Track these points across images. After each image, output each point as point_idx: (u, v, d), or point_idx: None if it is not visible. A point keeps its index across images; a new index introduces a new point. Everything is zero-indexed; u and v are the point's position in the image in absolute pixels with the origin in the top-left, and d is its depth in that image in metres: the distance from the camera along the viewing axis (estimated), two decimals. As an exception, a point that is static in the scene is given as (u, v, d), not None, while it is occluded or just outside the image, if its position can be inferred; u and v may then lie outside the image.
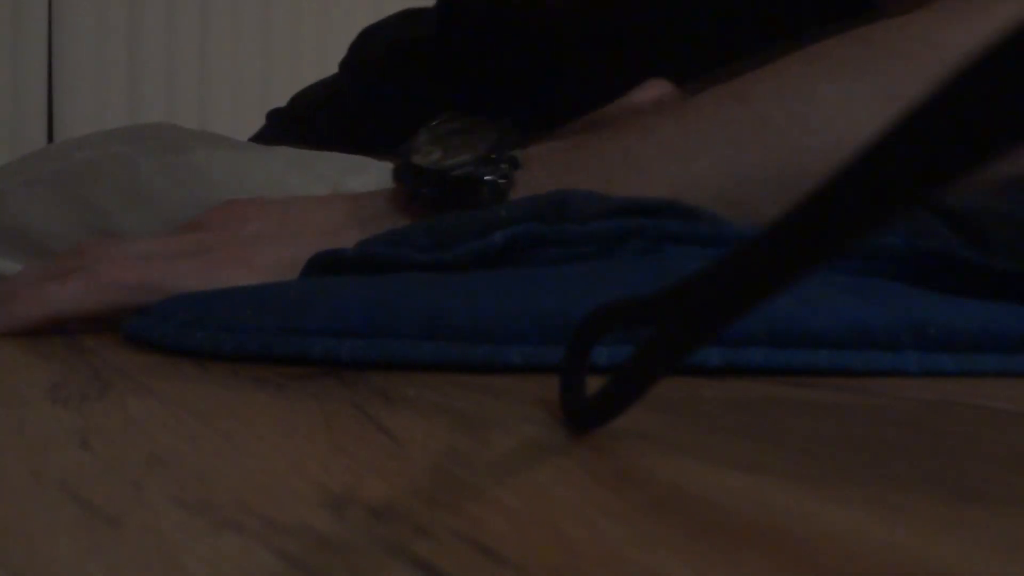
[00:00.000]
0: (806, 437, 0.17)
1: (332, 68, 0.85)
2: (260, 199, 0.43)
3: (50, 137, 2.11)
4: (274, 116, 0.83)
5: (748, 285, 0.12)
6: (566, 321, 0.26)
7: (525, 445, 0.17)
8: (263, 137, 0.77)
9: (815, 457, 0.16)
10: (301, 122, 0.79)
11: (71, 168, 0.59)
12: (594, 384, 0.17)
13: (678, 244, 0.33)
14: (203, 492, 0.13)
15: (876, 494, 0.13)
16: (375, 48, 0.78)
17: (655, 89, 0.49)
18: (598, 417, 0.17)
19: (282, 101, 0.85)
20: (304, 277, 0.35)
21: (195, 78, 2.22)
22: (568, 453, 0.16)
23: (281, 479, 0.14)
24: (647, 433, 0.17)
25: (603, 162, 0.39)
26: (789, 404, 0.22)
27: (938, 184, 0.09)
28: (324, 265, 0.35)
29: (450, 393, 0.23)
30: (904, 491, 0.13)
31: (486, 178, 0.37)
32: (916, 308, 0.27)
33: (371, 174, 0.59)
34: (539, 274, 0.30)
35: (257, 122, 0.84)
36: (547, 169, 0.39)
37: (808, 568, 0.10)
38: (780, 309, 0.26)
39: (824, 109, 0.38)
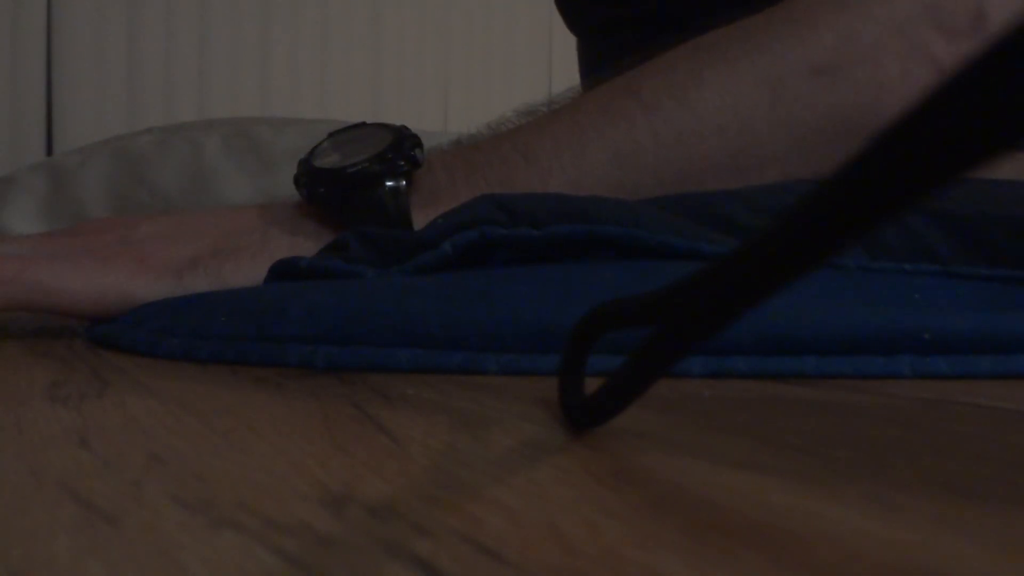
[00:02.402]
0: (805, 436, 0.17)
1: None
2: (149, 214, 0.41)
3: (49, 140, 2.11)
4: None
5: (748, 285, 0.12)
6: (543, 328, 0.26)
7: (524, 444, 0.17)
8: None
9: (814, 456, 0.16)
10: None
11: (136, 148, 0.60)
12: (593, 384, 0.17)
13: (652, 258, 0.32)
14: (202, 491, 0.13)
15: (875, 493, 0.13)
16: None
17: None
18: (597, 416, 0.17)
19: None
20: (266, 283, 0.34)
21: (194, 81, 2.22)
22: (567, 452, 0.16)
23: (280, 478, 0.14)
24: (646, 432, 0.17)
25: (503, 160, 0.39)
26: (788, 404, 0.22)
27: (936, 185, 0.09)
28: (280, 276, 0.34)
29: (449, 392, 0.23)
30: (903, 490, 0.13)
31: (386, 182, 0.37)
32: (911, 311, 0.26)
33: None
34: (514, 277, 0.30)
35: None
36: (447, 170, 0.39)
37: (807, 567, 0.10)
38: (766, 314, 0.25)
39: (708, 96, 0.39)
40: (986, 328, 0.26)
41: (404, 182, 0.37)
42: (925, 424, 0.19)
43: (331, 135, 0.41)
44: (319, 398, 0.22)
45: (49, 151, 2.09)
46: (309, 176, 0.38)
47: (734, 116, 0.39)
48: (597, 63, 0.60)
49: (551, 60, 2.49)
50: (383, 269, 0.33)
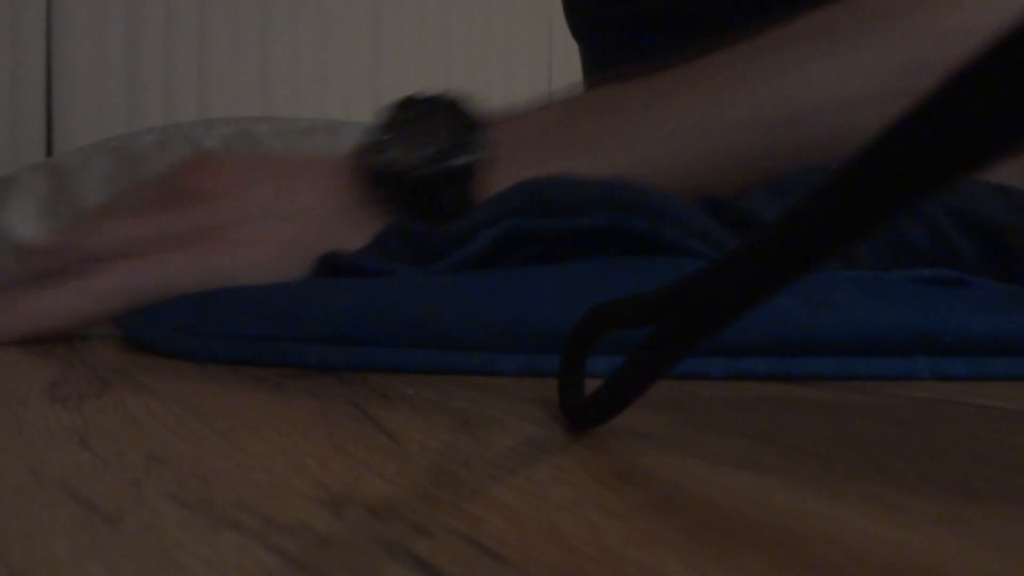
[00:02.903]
0: (805, 436, 0.17)
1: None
2: (234, 155, 0.40)
3: (49, 140, 2.11)
4: None
5: (747, 285, 0.12)
6: (561, 330, 0.26)
7: (524, 444, 0.17)
8: None
9: (814, 456, 0.16)
10: None
11: (137, 148, 0.60)
12: (593, 383, 0.17)
13: (673, 255, 0.32)
14: (202, 491, 0.13)
15: (875, 493, 0.13)
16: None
17: None
18: (597, 416, 0.17)
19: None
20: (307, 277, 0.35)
21: (194, 81, 2.22)
22: (567, 452, 0.16)
23: (280, 478, 0.14)
24: (646, 432, 0.17)
25: (588, 141, 0.38)
26: (789, 403, 0.22)
27: (934, 186, 0.09)
28: (322, 270, 0.34)
29: (449, 392, 0.23)
30: (903, 490, 0.13)
31: (453, 162, 0.36)
32: (931, 313, 0.26)
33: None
34: (532, 277, 0.30)
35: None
36: (531, 150, 0.38)
37: (807, 567, 0.10)
38: (786, 315, 0.25)
39: (813, 76, 0.39)
40: (1003, 330, 0.25)
41: (468, 178, 0.37)
42: (925, 424, 0.19)
43: (386, 120, 0.39)
44: (319, 398, 0.22)
45: (49, 151, 2.09)
46: (382, 178, 0.37)
47: (832, 97, 0.38)
48: (600, 66, 0.59)
49: (551, 60, 2.49)
50: (421, 267, 0.33)
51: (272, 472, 0.15)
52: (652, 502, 0.13)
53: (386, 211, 0.37)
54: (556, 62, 2.48)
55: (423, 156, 0.37)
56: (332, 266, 0.34)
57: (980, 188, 0.36)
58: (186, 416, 0.19)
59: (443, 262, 0.33)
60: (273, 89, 2.23)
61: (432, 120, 0.39)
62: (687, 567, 0.10)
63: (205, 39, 2.24)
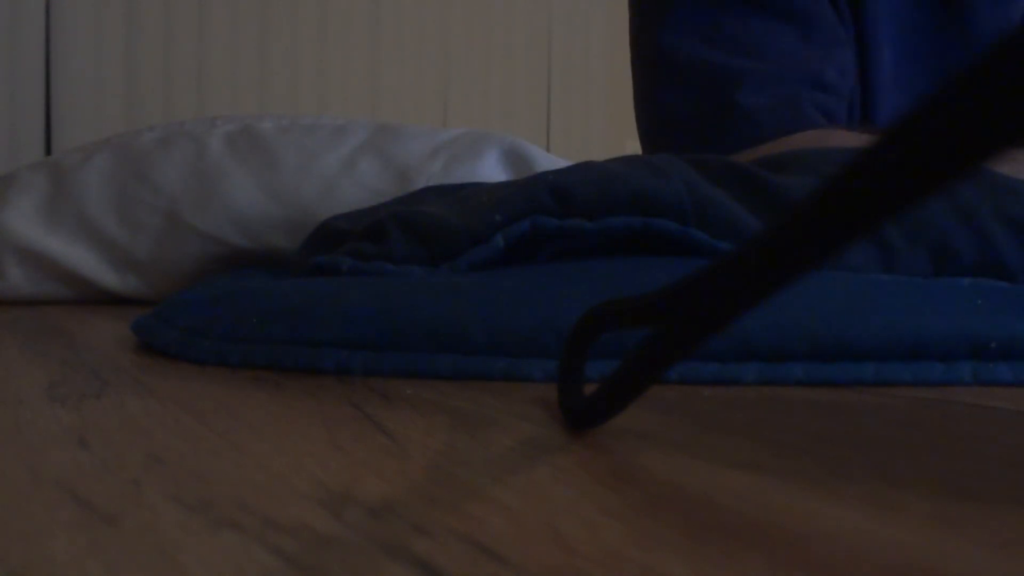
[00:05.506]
0: (804, 436, 0.17)
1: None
2: None
3: (48, 139, 2.11)
4: None
5: (744, 288, 0.12)
6: None
7: (523, 444, 0.17)
8: None
9: (813, 456, 0.16)
10: None
11: (139, 145, 0.60)
12: (590, 385, 0.17)
13: (701, 256, 0.31)
14: (201, 491, 0.13)
15: (874, 492, 0.13)
16: None
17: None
18: (596, 416, 0.17)
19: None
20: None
21: (194, 81, 2.22)
22: (566, 452, 0.16)
23: (279, 478, 0.14)
24: (645, 432, 0.17)
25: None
26: (788, 403, 0.22)
27: (931, 188, 0.09)
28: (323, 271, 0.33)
29: (448, 392, 0.23)
30: (902, 489, 0.13)
31: None
32: (974, 317, 0.25)
33: (486, 157, 0.56)
34: (557, 277, 0.29)
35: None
36: None
37: (806, 566, 0.10)
38: (823, 319, 0.24)
39: None
40: None
41: None
42: (925, 424, 0.19)
43: None
44: (318, 398, 0.22)
45: (48, 150, 2.09)
46: None
47: None
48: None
49: (551, 60, 2.49)
50: (432, 267, 0.32)
51: (272, 472, 0.15)
52: (651, 501, 0.13)
53: None
54: (556, 62, 2.48)
55: None
56: (330, 274, 0.33)
57: None
58: (185, 416, 0.19)
59: (457, 261, 0.32)
60: (273, 89, 2.23)
61: None
62: (687, 567, 0.10)
63: (205, 39, 2.24)
